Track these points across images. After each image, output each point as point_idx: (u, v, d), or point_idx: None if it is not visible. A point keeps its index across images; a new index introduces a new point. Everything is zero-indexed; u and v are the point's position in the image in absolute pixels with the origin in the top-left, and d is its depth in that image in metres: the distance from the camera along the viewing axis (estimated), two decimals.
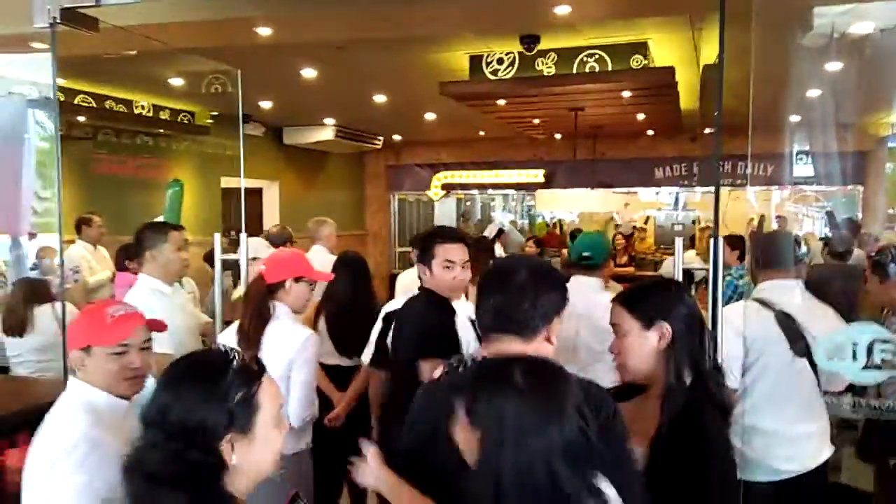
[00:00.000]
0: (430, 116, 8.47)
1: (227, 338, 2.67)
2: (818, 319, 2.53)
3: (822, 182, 8.16)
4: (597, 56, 5.37)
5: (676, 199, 12.53)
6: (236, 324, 2.71)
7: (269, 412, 1.24)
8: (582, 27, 4.86)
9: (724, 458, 1.70)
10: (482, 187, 11.77)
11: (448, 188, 11.56)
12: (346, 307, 3.46)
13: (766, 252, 2.78)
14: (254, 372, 1.27)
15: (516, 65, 5.56)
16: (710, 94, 5.31)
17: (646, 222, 12.00)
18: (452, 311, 2.51)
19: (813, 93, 6.32)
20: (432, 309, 2.50)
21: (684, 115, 7.35)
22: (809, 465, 2.46)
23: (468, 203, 13.29)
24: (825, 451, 2.51)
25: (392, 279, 7.22)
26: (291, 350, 2.55)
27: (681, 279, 2.75)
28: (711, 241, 2.70)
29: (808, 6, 4.14)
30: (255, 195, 9.47)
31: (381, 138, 10.45)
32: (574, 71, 5.44)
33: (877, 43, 4.82)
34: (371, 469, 1.53)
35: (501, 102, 6.11)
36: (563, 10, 3.75)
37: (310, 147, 9.75)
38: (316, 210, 10.07)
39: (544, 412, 1.17)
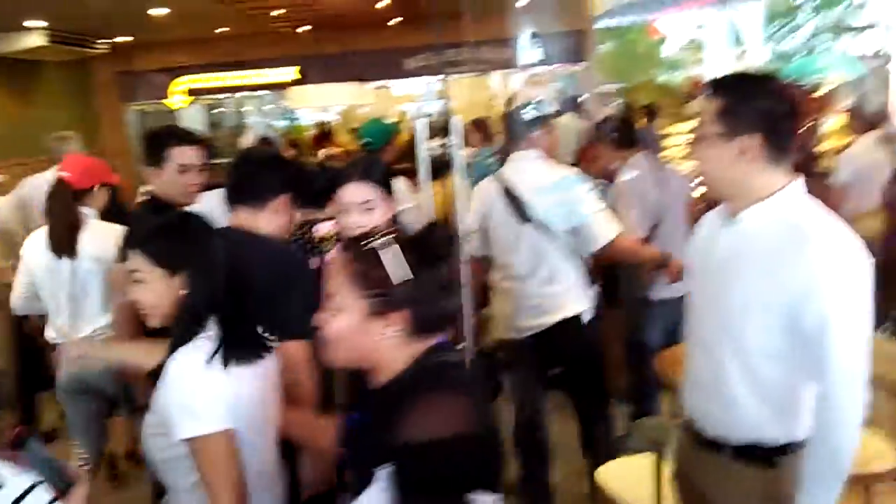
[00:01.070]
0: (158, 12, 7.64)
1: (36, 244, 2.64)
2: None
3: (549, 62, 8.92)
4: None
5: (431, 90, 12.88)
6: (41, 232, 2.65)
7: None
8: None
9: None
10: (230, 90, 11.06)
11: (195, 94, 10.71)
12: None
13: (509, 128, 3.01)
14: None
15: None
16: None
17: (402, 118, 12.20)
18: None
19: None
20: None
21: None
22: (549, 320, 2.70)
23: (216, 110, 12.39)
24: (568, 308, 2.70)
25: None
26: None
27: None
28: (453, 120, 2.92)
29: None
30: None
31: (105, 41, 9.26)
32: None
33: None
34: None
35: None
36: None
37: (16, 56, 8.35)
38: (34, 130, 8.82)
39: None
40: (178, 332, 1.44)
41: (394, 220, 2.00)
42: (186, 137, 2.47)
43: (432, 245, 1.25)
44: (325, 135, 9.08)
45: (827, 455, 1.42)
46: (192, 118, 11.31)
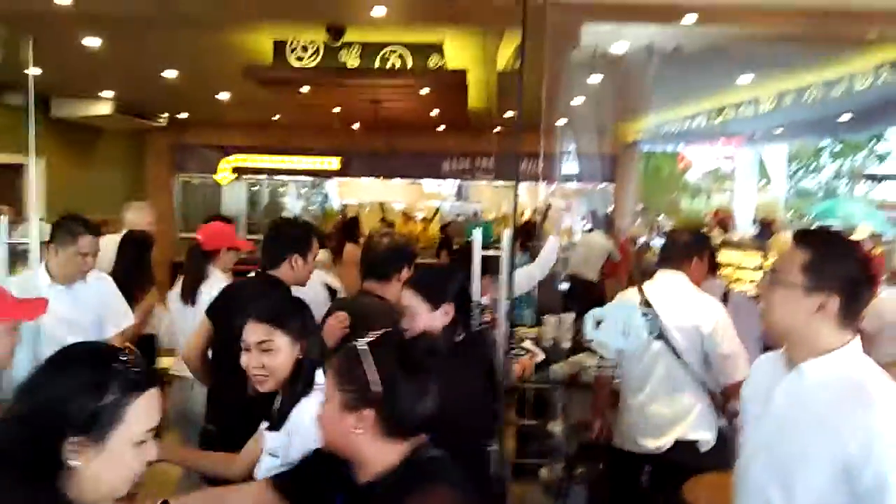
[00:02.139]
0: (223, 97, 8.20)
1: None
2: None
3: (583, 179, 9.32)
4: (398, 52, 5.69)
5: (459, 191, 13.41)
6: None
7: (133, 429, 1.10)
8: (386, 24, 5.13)
9: None
10: (275, 172, 11.58)
11: (239, 172, 11.22)
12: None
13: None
14: (136, 382, 1.12)
15: (321, 54, 5.67)
16: (504, 97, 5.83)
17: (435, 213, 12.59)
18: None
19: (577, 101, 7.28)
20: None
21: (471, 113, 7.97)
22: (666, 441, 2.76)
23: (255, 188, 12.94)
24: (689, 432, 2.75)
25: (174, 267, 6.91)
26: None
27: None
28: (505, 232, 3.17)
29: (578, 23, 4.76)
30: (12, 172, 8.42)
31: (165, 116, 9.85)
32: (376, 65, 5.70)
33: (629, 60, 5.73)
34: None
35: (305, 90, 6.18)
36: (379, 13, 3.96)
37: (83, 122, 8.89)
38: (89, 191, 9.25)
39: None
40: (294, 388, 1.72)
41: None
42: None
43: (415, 354, 1.38)
44: (353, 221, 9.43)
45: None
46: (235, 193, 11.81)
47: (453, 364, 2.02)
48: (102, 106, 8.59)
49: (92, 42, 5.54)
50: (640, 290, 2.84)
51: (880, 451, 1.39)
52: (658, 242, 7.74)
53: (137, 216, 4.70)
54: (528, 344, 3.28)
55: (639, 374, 2.83)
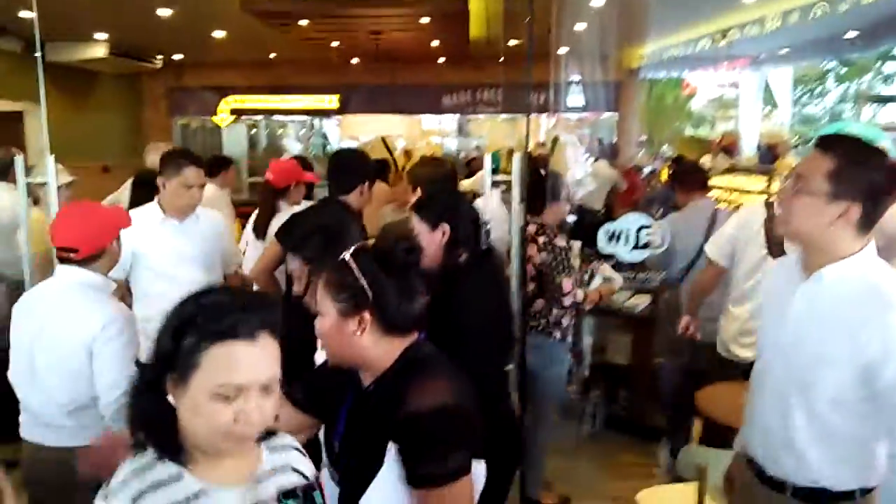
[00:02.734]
0: (219, 34, 8.05)
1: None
2: None
3: (588, 109, 9.22)
4: None
5: (459, 126, 13.29)
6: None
7: (209, 379, 1.06)
8: None
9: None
10: (274, 112, 11.47)
11: (238, 113, 11.12)
12: None
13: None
14: (213, 332, 1.07)
15: None
16: (510, 25, 5.71)
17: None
18: None
19: (580, 26, 7.14)
20: None
21: (472, 43, 7.84)
22: None
23: (254, 130, 12.85)
24: None
25: None
26: None
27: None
28: (515, 158, 3.20)
29: None
30: (12, 120, 8.37)
31: (160, 57, 9.70)
32: None
33: None
34: None
35: (304, 23, 6.08)
36: None
37: (78, 66, 8.77)
38: (87, 137, 9.20)
39: None
40: None
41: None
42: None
43: (394, 257, 1.48)
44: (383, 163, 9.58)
45: None
46: (235, 135, 11.74)
47: (462, 284, 2.11)
48: (98, 48, 8.46)
49: None
50: (767, 205, 2.87)
51: (884, 332, 1.45)
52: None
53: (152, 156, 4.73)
54: (608, 272, 3.32)
55: (746, 288, 2.89)
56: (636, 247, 2.92)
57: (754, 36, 7.14)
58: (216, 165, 5.10)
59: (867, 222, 1.54)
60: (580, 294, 3.06)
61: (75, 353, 2.01)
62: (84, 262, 2.08)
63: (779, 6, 6.66)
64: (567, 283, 2.93)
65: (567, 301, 2.97)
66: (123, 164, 9.36)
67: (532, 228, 3.01)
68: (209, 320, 1.08)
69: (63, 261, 2.10)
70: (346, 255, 1.46)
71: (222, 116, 11.07)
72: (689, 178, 3.73)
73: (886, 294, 1.51)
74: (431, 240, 2.17)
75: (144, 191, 3.99)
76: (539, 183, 3.06)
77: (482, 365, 1.89)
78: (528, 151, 3.07)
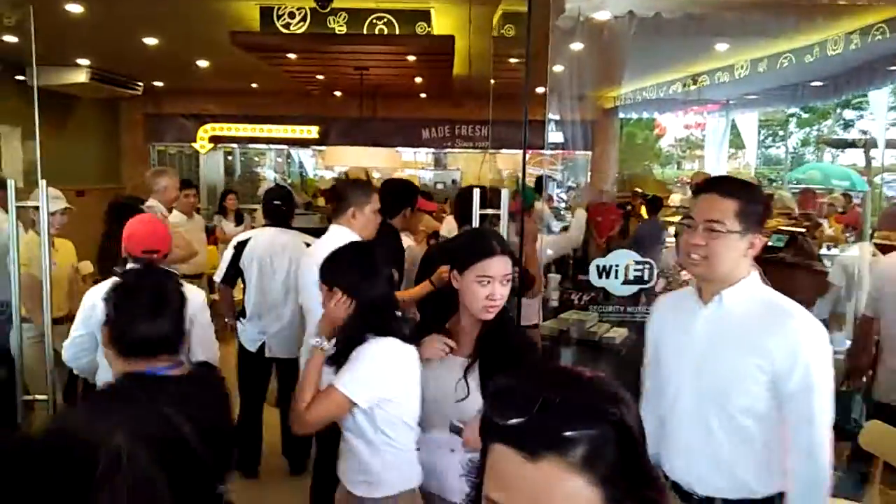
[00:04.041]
0: (202, 64, 8.13)
1: None
2: None
3: (567, 147, 9.45)
4: (385, 19, 5.73)
5: (437, 160, 13.47)
6: None
7: None
8: None
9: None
10: (254, 141, 11.48)
11: (216, 141, 11.13)
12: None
13: None
14: None
15: (308, 20, 5.68)
16: (498, 63, 5.89)
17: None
18: None
19: (558, 68, 7.38)
20: None
21: (455, 80, 8.02)
22: None
23: (230, 157, 12.81)
24: None
25: None
26: None
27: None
28: (503, 192, 3.33)
29: None
30: None
31: (140, 84, 9.70)
32: (364, 31, 5.74)
33: (611, 27, 5.84)
34: None
35: (292, 56, 6.18)
36: None
37: (57, 90, 8.73)
38: (64, 161, 9.12)
39: None
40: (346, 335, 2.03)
41: None
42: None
43: (137, 285, 1.67)
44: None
45: (813, 476, 1.64)
46: (213, 162, 11.73)
47: None
48: (79, 74, 8.44)
49: (73, 8, 5.47)
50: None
51: (805, 355, 1.62)
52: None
53: (171, 181, 4.95)
54: None
55: None
56: (626, 281, 3.05)
57: (724, 82, 7.46)
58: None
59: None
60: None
61: None
62: (162, 259, 2.75)
63: (749, 55, 6.99)
64: None
65: None
66: (99, 188, 9.31)
67: None
68: None
69: (140, 261, 2.69)
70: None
71: (202, 143, 11.07)
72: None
73: (782, 305, 1.70)
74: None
75: (120, 216, 4.06)
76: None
77: None
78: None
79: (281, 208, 3.94)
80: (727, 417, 1.71)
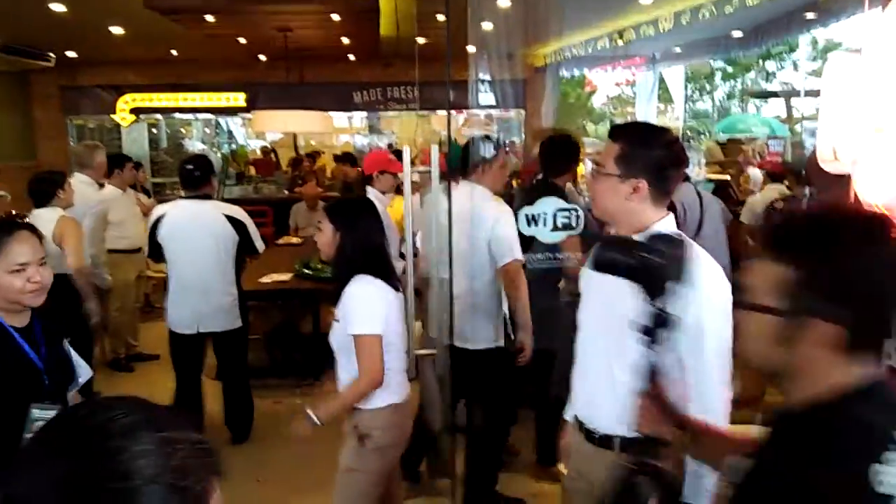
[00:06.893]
0: (117, 31, 7.72)
1: None
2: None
3: (498, 106, 9.46)
4: None
5: (371, 125, 13.30)
6: None
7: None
8: None
9: None
10: (177, 111, 11.06)
11: (139, 112, 10.67)
12: None
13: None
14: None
15: None
16: (423, 23, 5.81)
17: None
18: None
19: (487, 25, 7.32)
20: None
21: (382, 41, 7.88)
22: None
23: (155, 129, 12.33)
24: None
25: None
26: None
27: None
28: (433, 148, 3.32)
29: None
30: None
31: (52, 55, 9.19)
32: None
33: None
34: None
35: (210, 18, 5.95)
36: None
37: None
38: None
39: None
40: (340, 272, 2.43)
41: None
42: None
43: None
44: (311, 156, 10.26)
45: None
46: (136, 135, 11.25)
47: None
48: None
49: None
50: None
51: (697, 300, 1.60)
52: None
53: (101, 156, 4.75)
54: None
55: None
56: (555, 228, 3.08)
57: (650, 36, 7.56)
58: (111, 165, 4.98)
59: (659, 195, 1.74)
60: None
61: None
62: None
63: (671, 7, 7.08)
64: None
65: None
66: (14, 165, 8.83)
67: None
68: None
69: None
70: None
71: (123, 115, 10.60)
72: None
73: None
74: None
75: (41, 191, 3.90)
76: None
77: None
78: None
79: (193, 173, 3.80)
80: (626, 360, 1.65)
